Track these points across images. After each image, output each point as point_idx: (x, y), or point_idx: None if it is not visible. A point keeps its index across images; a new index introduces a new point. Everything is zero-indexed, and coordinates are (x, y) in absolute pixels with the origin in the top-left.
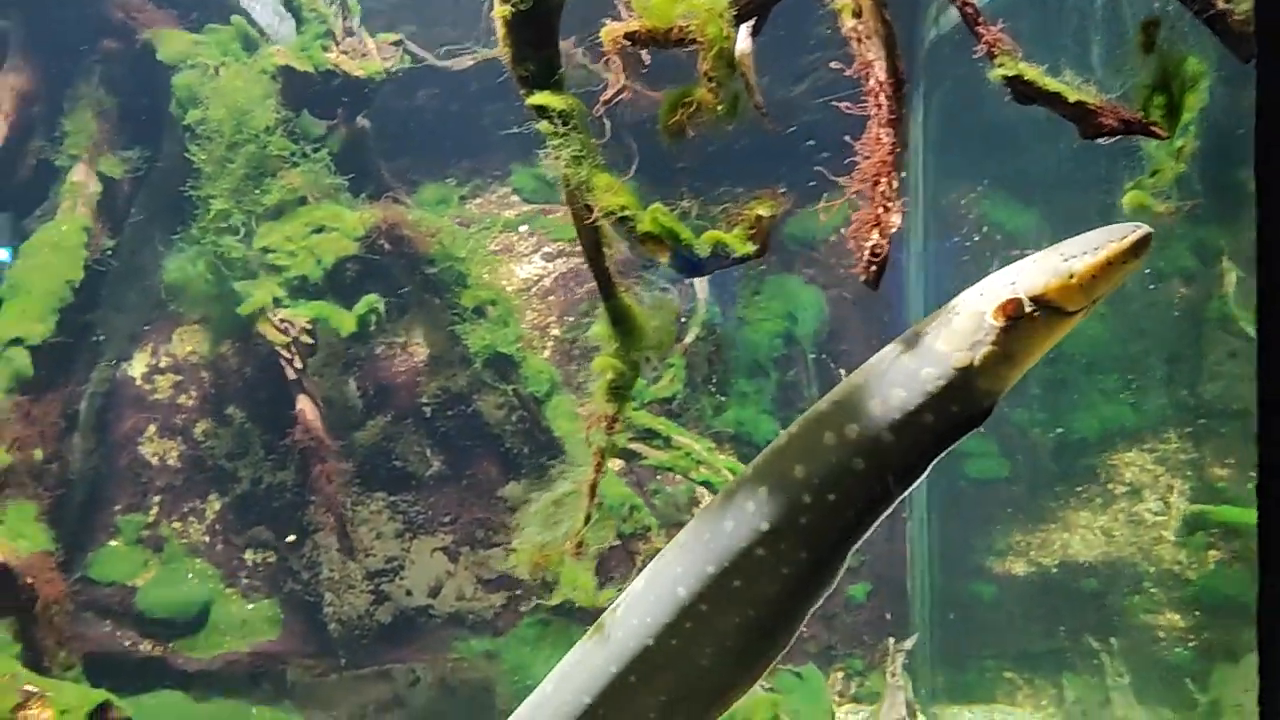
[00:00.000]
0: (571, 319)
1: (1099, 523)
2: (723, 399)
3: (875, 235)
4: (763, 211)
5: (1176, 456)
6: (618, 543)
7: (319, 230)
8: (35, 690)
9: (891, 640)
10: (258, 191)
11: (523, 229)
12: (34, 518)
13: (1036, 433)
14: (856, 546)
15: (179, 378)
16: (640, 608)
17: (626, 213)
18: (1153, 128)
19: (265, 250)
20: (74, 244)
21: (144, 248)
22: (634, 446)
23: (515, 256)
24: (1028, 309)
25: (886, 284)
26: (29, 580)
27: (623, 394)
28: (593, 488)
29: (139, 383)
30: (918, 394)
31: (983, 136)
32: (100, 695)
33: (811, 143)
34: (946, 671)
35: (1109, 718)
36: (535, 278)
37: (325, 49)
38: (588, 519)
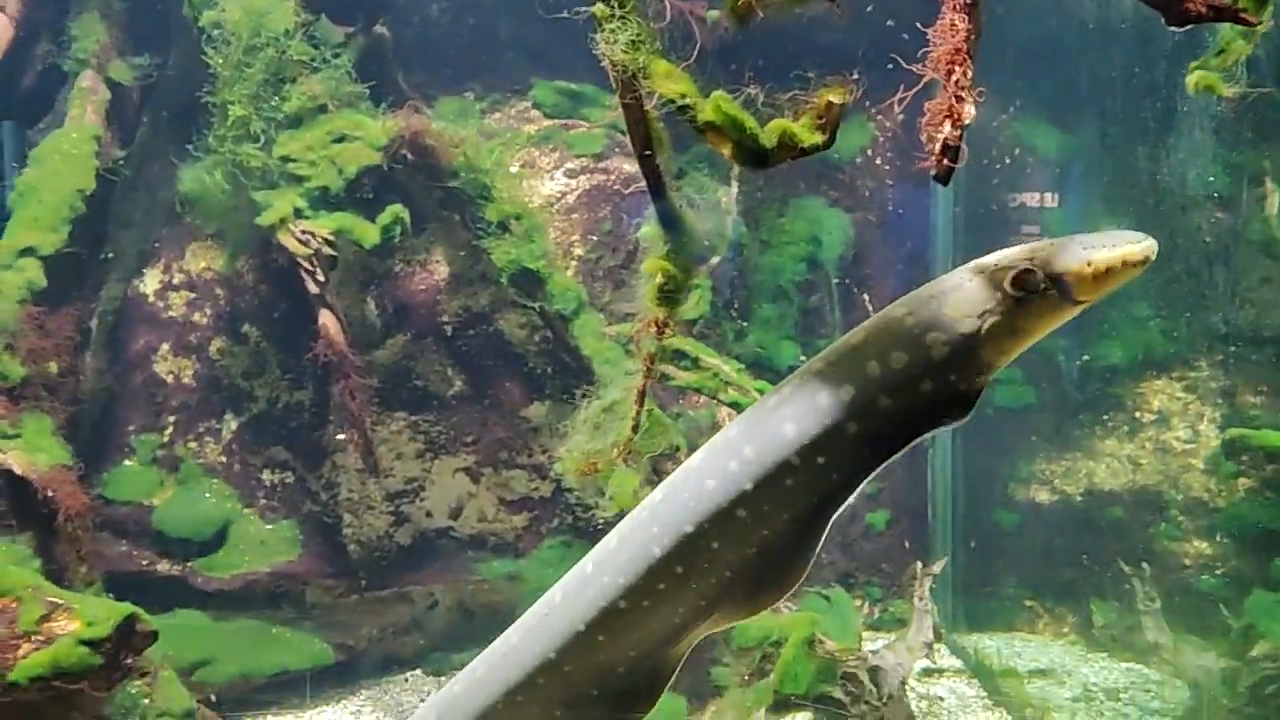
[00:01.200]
0: (595, 238)
1: (1125, 451)
2: (744, 324)
3: (948, 127)
4: (833, 99)
5: (1207, 384)
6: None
7: (340, 139)
8: (60, 602)
9: (919, 564)
10: (277, 98)
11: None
12: (50, 431)
13: (1063, 360)
14: (836, 516)
15: (193, 295)
16: (613, 566)
17: (686, 101)
18: (1243, 14)
19: (285, 160)
20: (84, 152)
21: (153, 159)
22: (661, 368)
23: (537, 172)
24: (1042, 285)
25: (912, 208)
26: (49, 493)
27: (674, 297)
28: (642, 394)
29: (152, 300)
30: (920, 358)
31: (1015, 55)
32: (126, 609)
33: (892, 23)
34: (966, 599)
35: (1139, 642)
36: (558, 194)
37: None
38: (636, 426)
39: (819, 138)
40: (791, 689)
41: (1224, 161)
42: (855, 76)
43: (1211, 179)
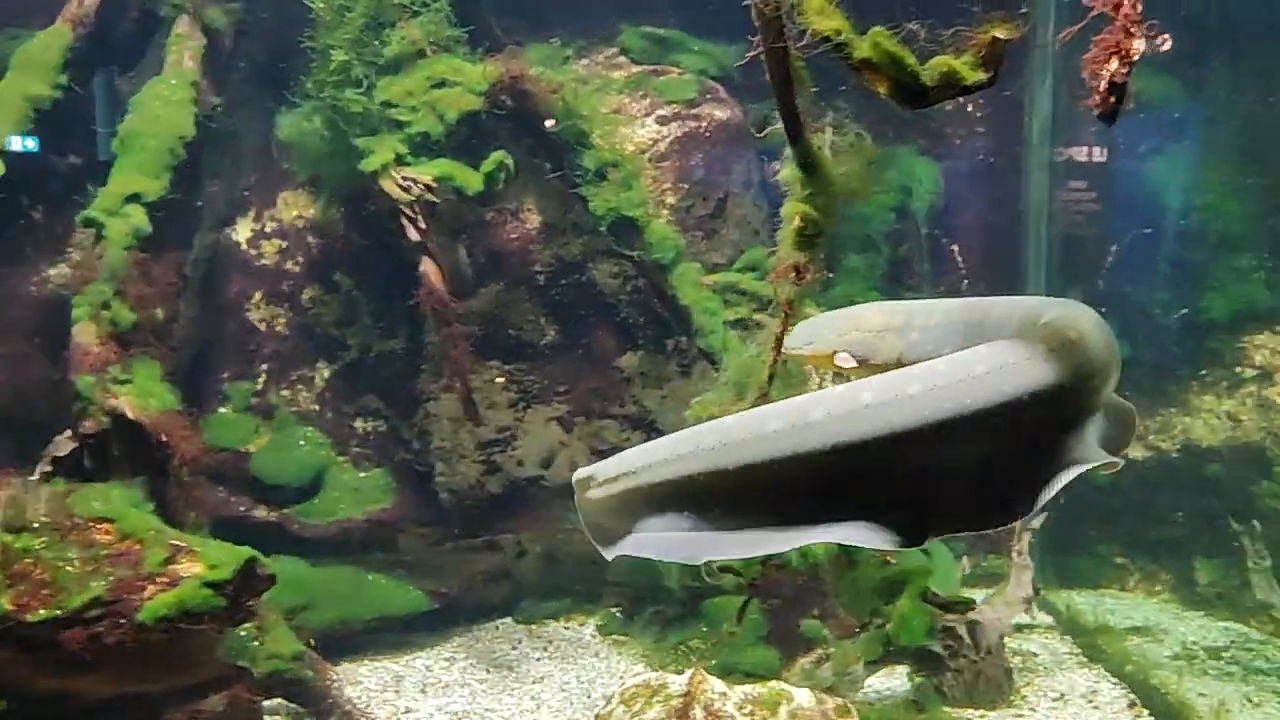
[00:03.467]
0: (686, 186)
1: (1225, 407)
2: (830, 274)
3: (1115, 63)
4: (999, 34)
5: None
6: None
7: (440, 85)
8: (182, 545)
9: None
10: (377, 43)
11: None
12: (159, 377)
13: (1159, 314)
14: None
15: (284, 243)
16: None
17: (842, 38)
18: None
19: (386, 105)
20: (183, 99)
21: (244, 106)
22: (757, 317)
23: (628, 120)
24: None
25: (1004, 157)
26: (162, 439)
27: (813, 241)
28: (779, 341)
29: (244, 248)
30: None
31: None
32: (247, 552)
33: None
34: (1055, 556)
35: (1246, 601)
36: (649, 142)
37: None
38: (773, 375)
39: (982, 75)
40: (907, 640)
41: None
42: (1023, 10)
43: None
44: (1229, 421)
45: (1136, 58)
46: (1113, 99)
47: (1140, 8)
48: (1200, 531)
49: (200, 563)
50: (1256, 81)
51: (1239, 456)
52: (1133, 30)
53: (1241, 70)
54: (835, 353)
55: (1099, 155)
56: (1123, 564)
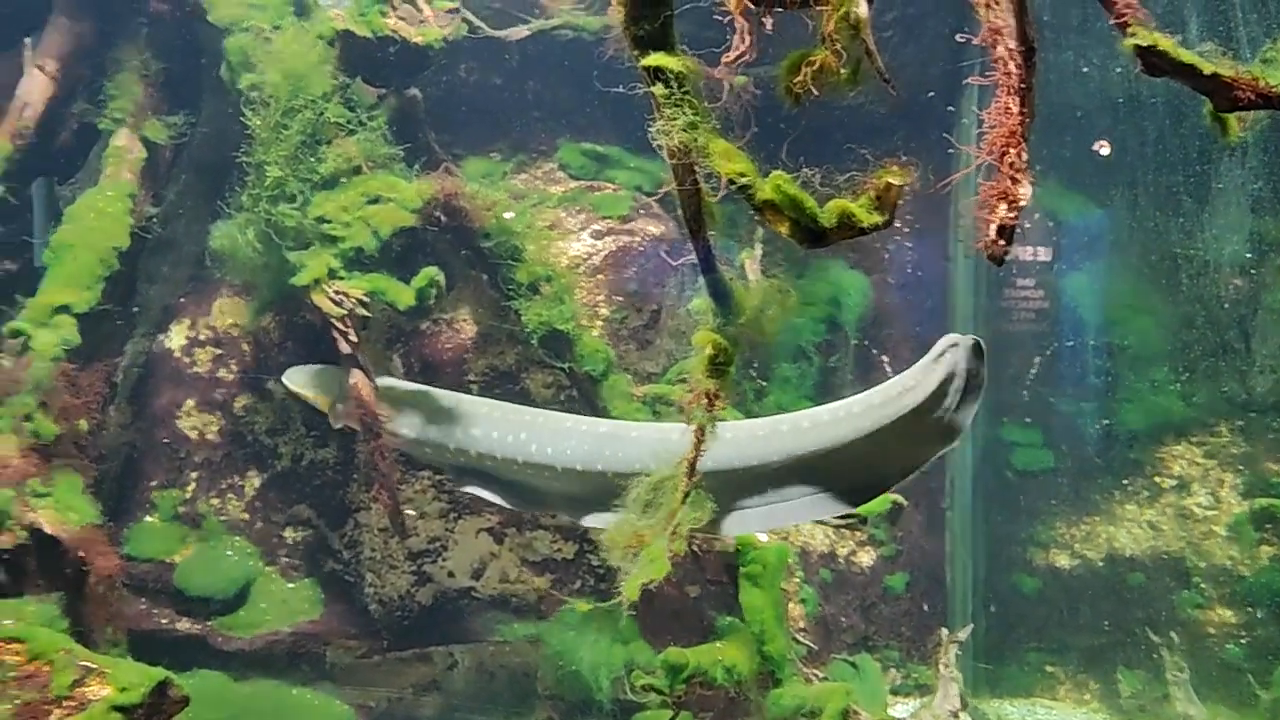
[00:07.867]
0: (620, 299)
1: (1146, 516)
2: (764, 383)
3: (1003, 209)
4: (893, 180)
5: (1227, 450)
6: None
7: (375, 200)
8: (93, 666)
9: (944, 631)
10: (313, 159)
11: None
12: (81, 490)
13: (1083, 424)
14: None
15: (219, 351)
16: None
17: (745, 180)
18: None
19: (320, 220)
20: (119, 210)
21: (181, 216)
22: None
23: (563, 233)
24: None
25: (931, 269)
26: (80, 554)
27: (723, 369)
28: (692, 466)
29: (177, 355)
30: None
31: (1042, 125)
32: (160, 673)
33: (951, 109)
34: (986, 664)
35: (1169, 713)
36: (584, 255)
37: (382, 14)
38: (685, 497)
39: (878, 218)
40: None
41: (1245, 230)
42: (907, 159)
43: (1232, 247)
44: (1150, 530)
45: (1024, 203)
46: (1001, 241)
47: (1026, 156)
48: (1124, 641)
49: (110, 685)
50: (1158, 203)
51: (1160, 566)
52: (1019, 177)
53: (1144, 192)
54: (332, 406)
55: (1044, 254)
56: (1053, 672)
